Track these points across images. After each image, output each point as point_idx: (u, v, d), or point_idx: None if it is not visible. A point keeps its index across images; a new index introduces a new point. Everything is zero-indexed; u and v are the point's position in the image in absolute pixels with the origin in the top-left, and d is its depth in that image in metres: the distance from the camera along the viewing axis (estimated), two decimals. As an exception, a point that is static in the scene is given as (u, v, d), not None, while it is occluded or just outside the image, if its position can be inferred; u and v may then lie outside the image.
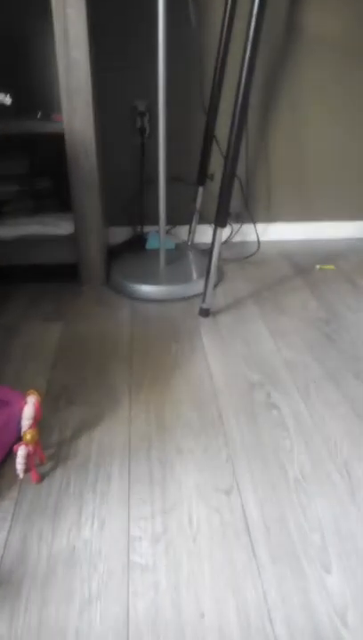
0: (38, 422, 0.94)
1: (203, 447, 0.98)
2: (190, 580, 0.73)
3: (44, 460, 0.94)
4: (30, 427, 0.90)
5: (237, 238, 2.05)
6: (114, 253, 1.84)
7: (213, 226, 1.96)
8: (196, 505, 0.85)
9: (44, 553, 0.77)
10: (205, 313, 1.46)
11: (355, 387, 1.16)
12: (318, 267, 1.81)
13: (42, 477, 0.91)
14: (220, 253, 1.43)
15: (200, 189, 1.81)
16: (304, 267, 1.82)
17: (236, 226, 2.03)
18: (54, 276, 1.71)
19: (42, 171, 1.77)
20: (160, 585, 0.72)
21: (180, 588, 0.72)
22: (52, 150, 1.69)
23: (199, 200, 1.84)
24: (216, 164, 1.84)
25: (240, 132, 1.25)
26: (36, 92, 1.68)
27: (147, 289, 1.57)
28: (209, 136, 1.69)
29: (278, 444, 0.99)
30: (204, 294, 1.44)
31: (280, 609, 0.70)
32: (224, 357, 1.27)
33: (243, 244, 2.03)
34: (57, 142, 1.52)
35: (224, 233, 2.02)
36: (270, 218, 2.04)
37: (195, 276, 1.65)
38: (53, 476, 0.91)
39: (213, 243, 1.38)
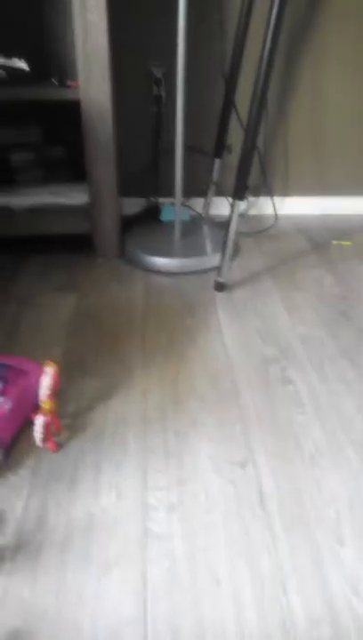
0: (56, 393, 0.95)
1: (218, 420, 0.99)
2: (206, 550, 0.75)
3: (61, 429, 0.95)
4: (48, 397, 0.90)
5: (252, 211, 2.03)
6: (127, 225, 1.83)
7: (229, 198, 1.94)
8: (211, 476, 0.86)
9: (62, 520, 0.78)
10: (220, 287, 1.45)
11: (370, 364, 1.16)
12: (334, 242, 1.78)
13: (59, 447, 0.92)
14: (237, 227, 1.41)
15: (217, 161, 1.78)
16: (321, 242, 1.80)
17: (252, 199, 2.00)
18: (67, 247, 1.70)
19: (56, 139, 1.75)
20: (177, 553, 0.74)
21: (196, 556, 0.74)
22: (67, 118, 1.66)
23: (216, 172, 1.81)
24: (234, 135, 1.80)
25: (262, 101, 1.22)
26: (50, 58, 1.64)
27: (162, 261, 1.56)
28: (228, 105, 1.66)
29: (292, 418, 1.00)
30: (220, 268, 1.43)
31: (294, 579, 0.71)
32: (239, 332, 1.27)
33: (259, 217, 2.00)
34: (72, 110, 1.50)
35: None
36: (287, 191, 2.01)
37: (210, 249, 1.63)
38: (70, 446, 0.92)
39: (230, 216, 1.37)
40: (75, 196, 1.59)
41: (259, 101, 1.22)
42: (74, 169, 1.72)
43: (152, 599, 0.68)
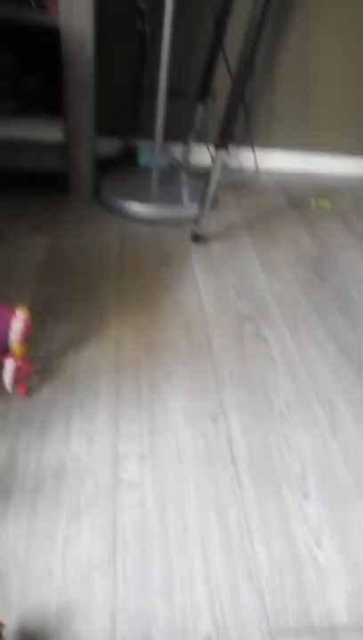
0: (27, 337, 0.92)
1: (191, 373, 0.99)
2: (176, 498, 0.76)
3: (32, 374, 0.93)
4: (19, 341, 0.88)
5: (233, 163, 1.97)
6: (103, 166, 1.75)
7: (210, 146, 1.88)
8: (183, 428, 0.87)
9: (33, 465, 0.78)
10: (197, 239, 1.43)
11: (342, 326, 1.17)
12: (313, 201, 1.77)
13: (29, 392, 0.90)
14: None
15: (200, 107, 1.71)
16: (299, 199, 1.78)
17: (233, 150, 1.94)
18: (40, 186, 1.62)
19: (31, 68, 1.63)
20: (147, 500, 0.75)
21: (165, 504, 0.75)
22: (44, 47, 1.55)
23: (198, 118, 1.74)
24: (220, 81, 1.72)
25: (256, 41, 1.16)
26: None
27: (138, 208, 1.51)
28: (216, 46, 1.57)
29: (264, 375, 1.01)
30: (198, 219, 1.40)
31: (260, 529, 0.73)
32: (215, 286, 1.26)
33: (239, 169, 1.96)
34: (50, 37, 1.39)
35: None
36: (269, 145, 1.96)
37: (188, 198, 1.59)
38: (41, 391, 0.90)
39: (212, 166, 1.32)
40: (50, 132, 1.51)
41: (251, 44, 1.16)
42: (49, 103, 1.62)
43: (122, 545, 0.69)
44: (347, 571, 0.70)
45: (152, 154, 1.66)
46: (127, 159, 1.85)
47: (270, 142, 1.96)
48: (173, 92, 1.78)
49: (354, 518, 0.76)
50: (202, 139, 1.86)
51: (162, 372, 0.98)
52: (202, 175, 1.73)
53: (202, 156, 1.92)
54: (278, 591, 0.66)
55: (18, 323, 0.90)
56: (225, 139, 1.30)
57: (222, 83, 1.71)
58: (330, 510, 0.77)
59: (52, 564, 0.65)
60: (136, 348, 1.03)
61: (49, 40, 1.43)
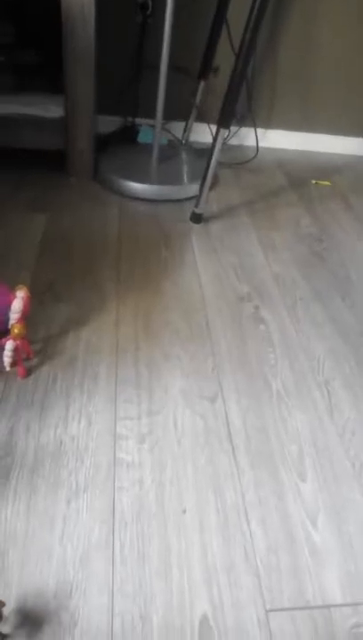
0: (26, 317, 0.92)
1: (190, 355, 0.99)
2: (174, 479, 0.76)
3: (32, 355, 0.93)
4: (18, 321, 0.87)
5: (233, 141, 1.94)
6: (102, 144, 1.72)
7: (210, 125, 1.85)
8: (181, 409, 0.87)
9: (32, 445, 0.78)
10: (197, 219, 1.41)
11: (341, 308, 1.17)
12: (314, 181, 1.75)
13: (28, 372, 0.90)
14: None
15: (201, 84, 1.68)
16: (300, 179, 1.76)
17: (233, 128, 1.91)
18: (38, 163, 1.60)
19: (29, 42, 1.59)
20: (145, 481, 0.76)
21: (164, 485, 0.75)
22: (43, 20, 1.51)
23: (199, 95, 1.70)
24: (222, 57, 1.68)
25: (261, 16, 1.13)
26: None
27: (137, 187, 1.50)
28: (219, 21, 1.53)
29: (263, 357, 1.01)
30: (198, 199, 1.39)
31: (257, 510, 0.74)
32: (215, 267, 1.25)
33: (239, 147, 1.93)
34: (49, 10, 1.35)
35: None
36: (270, 124, 1.93)
37: (187, 177, 1.57)
38: (40, 372, 0.91)
39: (213, 145, 1.30)
40: (49, 109, 1.48)
41: (256, 17, 1.13)
42: (49, 78, 1.59)
43: (120, 525, 0.70)
44: (342, 551, 0.71)
45: (152, 132, 1.63)
46: (126, 137, 1.81)
47: (271, 121, 1.92)
48: (174, 68, 1.74)
49: (349, 499, 0.77)
50: (203, 116, 1.83)
51: (161, 354, 0.98)
52: (202, 154, 1.71)
53: (203, 134, 1.89)
54: (274, 571, 0.67)
55: (17, 303, 0.89)
56: (227, 117, 1.27)
57: (224, 59, 1.67)
58: (326, 491, 0.78)
59: (51, 544, 0.66)
60: (135, 329, 1.03)
61: (49, 13, 1.39)
